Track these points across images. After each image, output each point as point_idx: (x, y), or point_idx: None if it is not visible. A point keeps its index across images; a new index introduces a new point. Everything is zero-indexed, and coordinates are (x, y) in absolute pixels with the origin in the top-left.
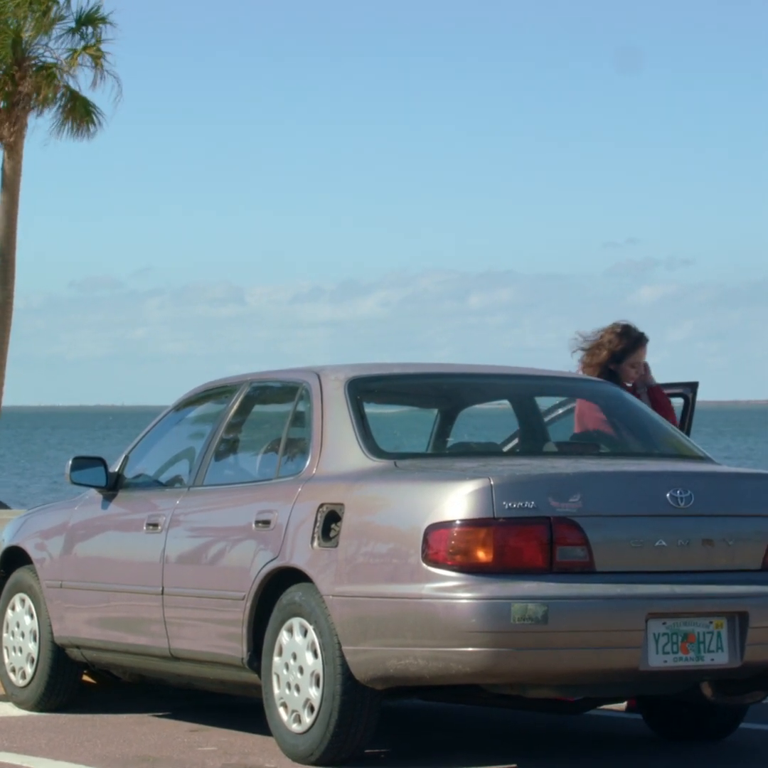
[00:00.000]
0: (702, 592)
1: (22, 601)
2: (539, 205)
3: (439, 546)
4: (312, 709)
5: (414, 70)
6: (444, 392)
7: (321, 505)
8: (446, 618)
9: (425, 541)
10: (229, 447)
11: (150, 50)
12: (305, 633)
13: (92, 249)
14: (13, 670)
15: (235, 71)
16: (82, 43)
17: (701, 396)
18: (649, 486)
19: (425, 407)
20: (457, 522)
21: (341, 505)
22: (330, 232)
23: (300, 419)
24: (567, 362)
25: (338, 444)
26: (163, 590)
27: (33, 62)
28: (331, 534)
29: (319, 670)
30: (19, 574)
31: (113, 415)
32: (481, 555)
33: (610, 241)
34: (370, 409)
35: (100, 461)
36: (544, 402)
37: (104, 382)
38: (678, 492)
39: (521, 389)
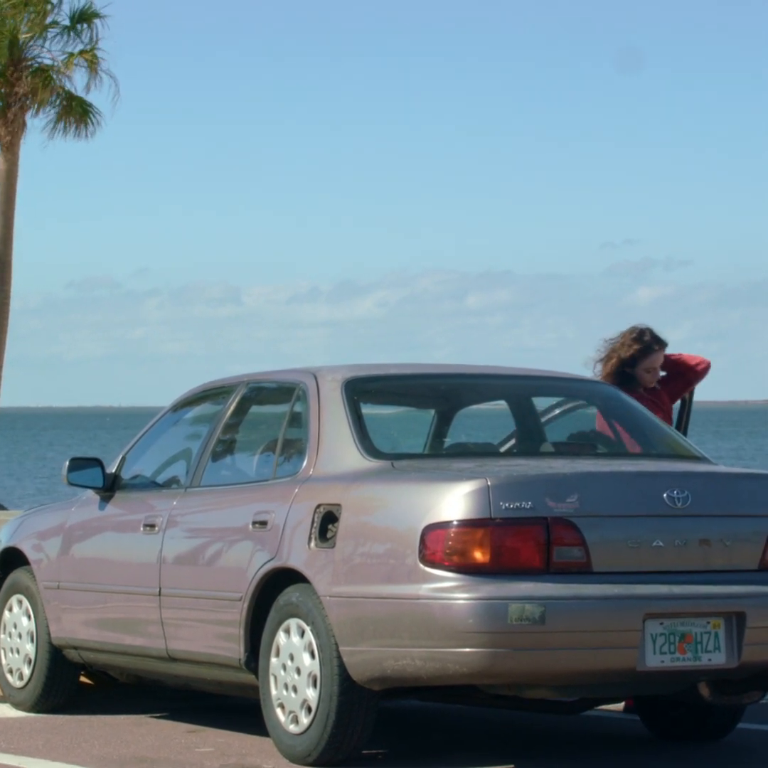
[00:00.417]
0: (699, 593)
1: (20, 602)
2: (538, 205)
3: (436, 546)
4: (309, 709)
5: (413, 70)
6: (441, 393)
7: (318, 506)
8: (443, 618)
9: (422, 541)
10: (226, 448)
11: (147, 50)
12: (302, 634)
13: (90, 249)
14: (11, 672)
15: (233, 71)
16: (78, 41)
17: (700, 396)
18: (647, 486)
19: (422, 408)
20: (454, 522)
21: (338, 505)
22: (328, 232)
23: (297, 420)
24: (565, 362)
25: (335, 445)
26: (160, 591)
27: (29, 63)
28: (328, 535)
29: (317, 671)
30: (17, 575)
31: (111, 415)
32: (478, 555)
33: (608, 242)
34: (367, 409)
35: (97, 462)
36: (540, 402)
37: (102, 382)
38: (675, 492)
39: (518, 390)
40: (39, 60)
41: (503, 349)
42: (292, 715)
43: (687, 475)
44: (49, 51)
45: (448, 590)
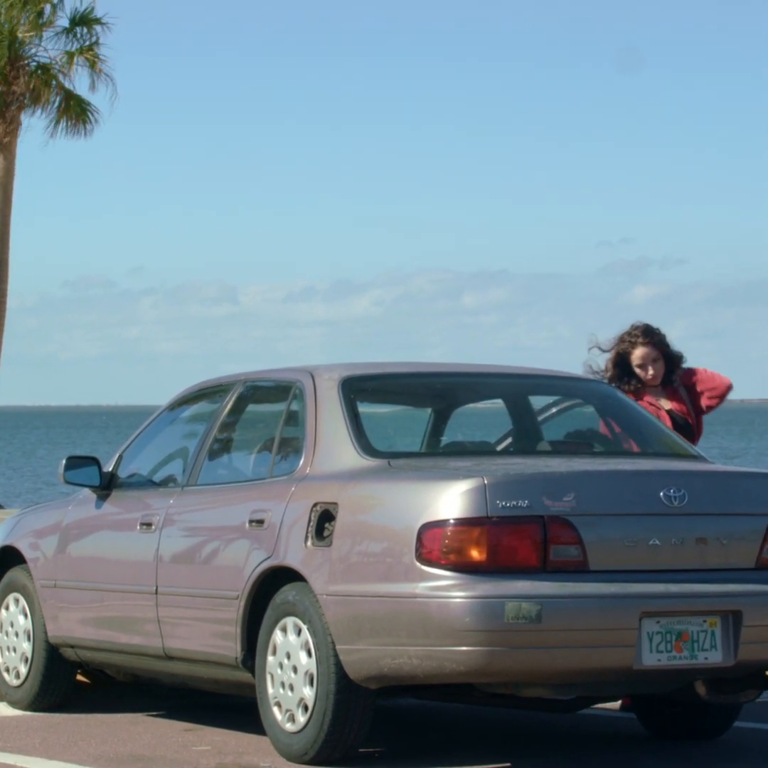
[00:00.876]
0: (696, 591)
1: (16, 600)
2: (533, 204)
3: (433, 545)
4: (306, 708)
5: (411, 71)
6: (438, 391)
7: (315, 505)
8: (440, 617)
9: (419, 540)
10: (222, 446)
11: (143, 49)
12: (299, 632)
13: (85, 248)
14: (7, 670)
15: (230, 71)
16: (77, 43)
17: None
18: (643, 485)
19: (419, 406)
20: (451, 521)
21: (335, 504)
22: (324, 231)
23: (294, 418)
24: (560, 361)
25: (332, 443)
26: (157, 590)
27: (27, 62)
28: (325, 533)
29: (313, 670)
30: (13, 574)
31: (107, 414)
32: (475, 554)
33: (604, 240)
34: (363, 408)
35: (93, 461)
36: (537, 401)
37: (98, 381)
38: (672, 491)
39: (515, 388)
40: (37, 59)
41: (499, 348)
42: (288, 713)
43: (683, 474)
44: (47, 50)
45: (445, 589)
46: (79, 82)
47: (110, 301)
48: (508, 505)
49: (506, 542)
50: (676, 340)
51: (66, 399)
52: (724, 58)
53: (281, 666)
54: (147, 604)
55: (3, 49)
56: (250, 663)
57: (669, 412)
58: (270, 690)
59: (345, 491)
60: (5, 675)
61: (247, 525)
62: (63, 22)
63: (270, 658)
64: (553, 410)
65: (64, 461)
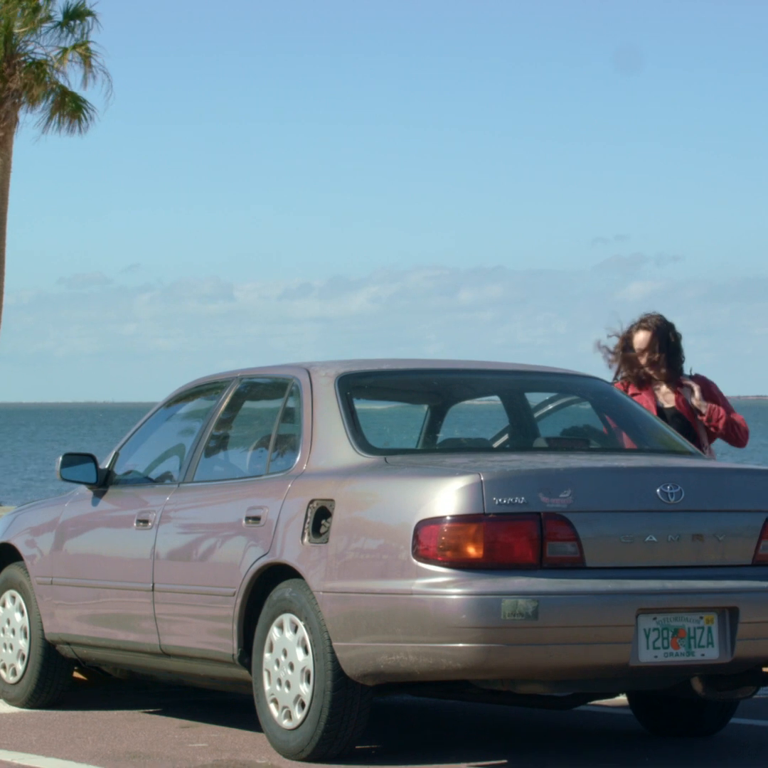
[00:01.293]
0: (692, 588)
1: (13, 597)
2: (529, 201)
3: (430, 542)
4: (303, 705)
5: (407, 68)
6: (434, 388)
7: (311, 501)
8: (436, 614)
9: (415, 536)
10: (219, 443)
11: (140, 46)
12: (296, 629)
13: (81, 245)
14: (4, 667)
15: (225, 68)
16: (71, 37)
17: None
18: (639, 481)
19: (415, 403)
20: (448, 518)
21: (331, 501)
22: (319, 227)
23: (290, 415)
24: (556, 358)
25: (328, 440)
26: (153, 587)
27: (22, 58)
28: (322, 530)
29: (310, 666)
30: (10, 571)
31: (103, 411)
32: (472, 551)
33: (599, 237)
34: (360, 405)
35: (90, 458)
36: (533, 397)
37: (94, 378)
38: (668, 487)
39: (511, 385)
40: (33, 55)
41: (494, 345)
42: (285, 710)
43: (680, 470)
44: (42, 46)
45: (442, 585)
46: (72, 77)
47: (106, 298)
48: (504, 501)
49: (503, 539)
50: None
51: (61, 396)
52: (718, 56)
53: (278, 663)
54: (143, 601)
55: (0, 45)
56: (247, 660)
57: (660, 408)
58: (267, 687)
59: (341, 488)
60: (2, 672)
61: (243, 522)
62: (57, 17)
63: (267, 655)
64: (550, 407)
65: (60, 458)
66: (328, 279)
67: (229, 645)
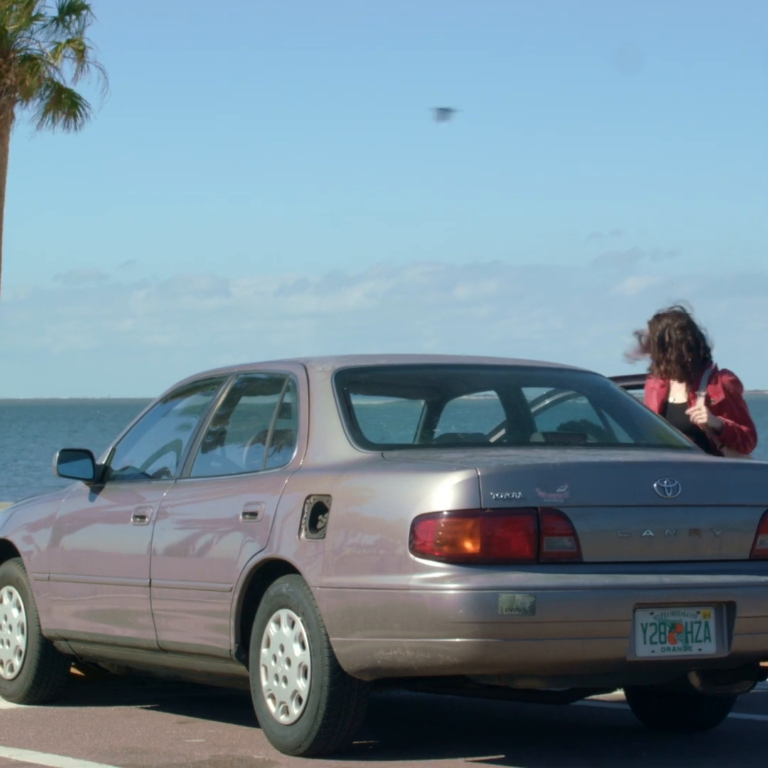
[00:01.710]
0: (689, 582)
1: (10, 593)
2: (525, 196)
3: (427, 537)
4: (300, 700)
5: (403, 63)
6: (431, 383)
7: (308, 497)
8: (434, 609)
9: (412, 532)
10: (216, 439)
11: (136, 42)
12: (293, 624)
13: (77, 242)
14: (1, 663)
15: (221, 63)
16: (66, 33)
17: None
18: (636, 476)
19: (412, 398)
20: (445, 513)
21: (328, 496)
22: (316, 223)
23: (287, 411)
24: (553, 353)
25: (325, 435)
26: (150, 582)
27: (18, 54)
28: (319, 525)
29: (307, 662)
30: (7, 567)
31: (101, 408)
32: (469, 546)
33: (596, 232)
34: (357, 400)
35: (87, 454)
36: (531, 392)
37: (91, 374)
38: (665, 482)
39: (508, 380)
40: (27, 51)
41: (491, 340)
42: (282, 705)
43: (677, 464)
44: (38, 41)
45: (439, 580)
46: (68, 72)
47: (102, 295)
48: (501, 496)
49: (500, 534)
50: None
51: (58, 392)
52: (715, 51)
53: (275, 658)
54: (141, 597)
55: None
56: (244, 655)
57: (667, 403)
58: (264, 682)
59: (338, 483)
60: None
61: (240, 517)
62: (52, 12)
63: (264, 651)
64: (547, 401)
65: (57, 454)
66: (324, 275)
67: (226, 640)
